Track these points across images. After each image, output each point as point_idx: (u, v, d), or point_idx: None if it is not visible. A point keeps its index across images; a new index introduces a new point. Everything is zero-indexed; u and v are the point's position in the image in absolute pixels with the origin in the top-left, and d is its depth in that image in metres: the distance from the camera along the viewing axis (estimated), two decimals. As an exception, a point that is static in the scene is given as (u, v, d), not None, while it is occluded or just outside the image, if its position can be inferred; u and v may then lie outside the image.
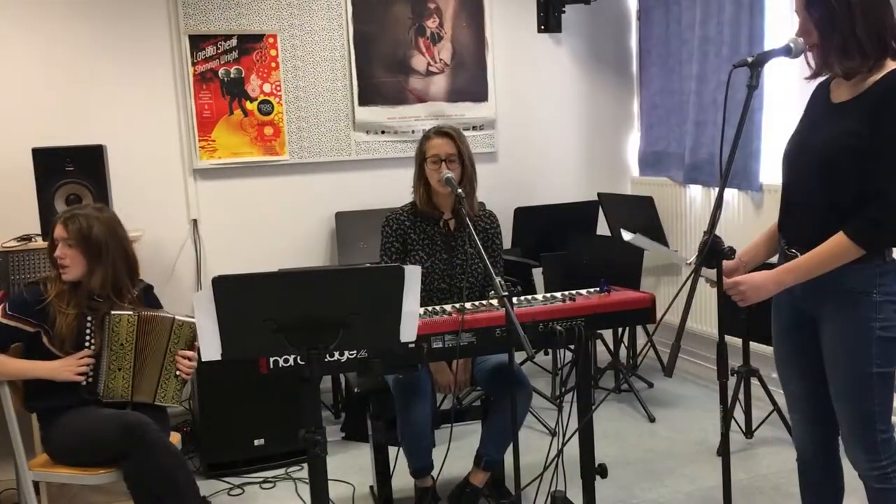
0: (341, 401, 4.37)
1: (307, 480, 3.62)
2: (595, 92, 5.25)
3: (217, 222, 4.47)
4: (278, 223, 4.57)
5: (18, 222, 3.69)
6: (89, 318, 2.79)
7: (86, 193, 3.63)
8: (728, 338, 2.34)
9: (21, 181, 3.66)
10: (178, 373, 2.84)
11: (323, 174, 4.65)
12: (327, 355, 2.37)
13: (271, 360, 2.48)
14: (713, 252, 2.15)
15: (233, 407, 3.69)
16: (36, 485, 3.05)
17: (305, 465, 3.76)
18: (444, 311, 2.76)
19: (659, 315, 2.78)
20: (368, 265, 3.51)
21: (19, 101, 4.03)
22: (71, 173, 3.60)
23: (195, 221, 4.44)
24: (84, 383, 2.75)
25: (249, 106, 4.44)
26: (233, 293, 2.07)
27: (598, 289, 2.94)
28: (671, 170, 4.94)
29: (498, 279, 2.49)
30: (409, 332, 2.24)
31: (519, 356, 2.86)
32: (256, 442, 3.77)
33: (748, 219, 4.23)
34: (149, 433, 2.63)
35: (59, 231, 2.79)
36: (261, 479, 3.69)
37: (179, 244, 4.44)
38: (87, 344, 2.76)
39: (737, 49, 4.18)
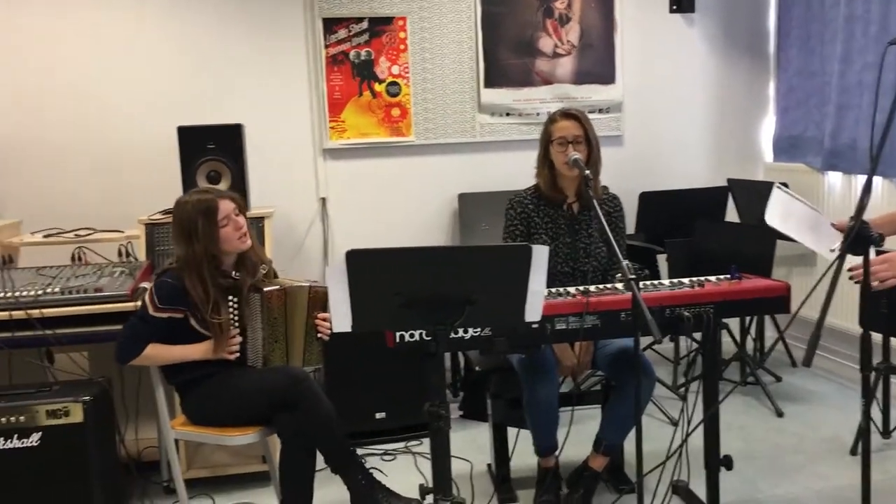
0: (460, 379, 4.43)
1: (426, 455, 3.73)
2: (728, 74, 5.06)
3: (344, 201, 4.60)
4: (403, 203, 4.66)
5: (164, 197, 3.89)
6: (232, 297, 2.92)
7: (225, 171, 3.80)
8: (869, 331, 2.23)
9: (167, 158, 3.86)
10: (318, 335, 2.96)
11: (447, 155, 4.70)
12: (452, 332, 2.41)
13: (398, 334, 2.53)
14: (860, 238, 2.05)
15: (357, 379, 3.80)
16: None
17: (424, 441, 3.88)
18: (567, 293, 2.75)
19: (794, 306, 2.68)
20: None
21: (166, 83, 4.27)
22: (212, 151, 3.78)
23: (324, 200, 4.58)
24: (234, 359, 2.89)
25: (378, 87, 4.54)
26: (365, 267, 2.13)
27: (728, 276, 2.85)
28: (808, 155, 4.72)
29: (625, 262, 2.45)
30: (534, 311, 2.25)
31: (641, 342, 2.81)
32: (378, 415, 3.87)
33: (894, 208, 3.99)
34: (312, 385, 2.78)
35: (227, 205, 2.88)
36: (381, 452, 3.79)
37: (308, 222, 4.59)
38: (233, 322, 2.90)
39: (886, 28, 3.93)
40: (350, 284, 2.15)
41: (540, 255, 2.17)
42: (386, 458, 3.75)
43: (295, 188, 4.52)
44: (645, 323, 2.28)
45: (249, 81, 4.39)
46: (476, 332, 2.57)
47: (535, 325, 2.52)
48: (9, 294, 3.20)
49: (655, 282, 2.88)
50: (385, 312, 2.22)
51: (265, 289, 2.92)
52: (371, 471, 2.94)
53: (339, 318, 2.21)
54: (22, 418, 2.96)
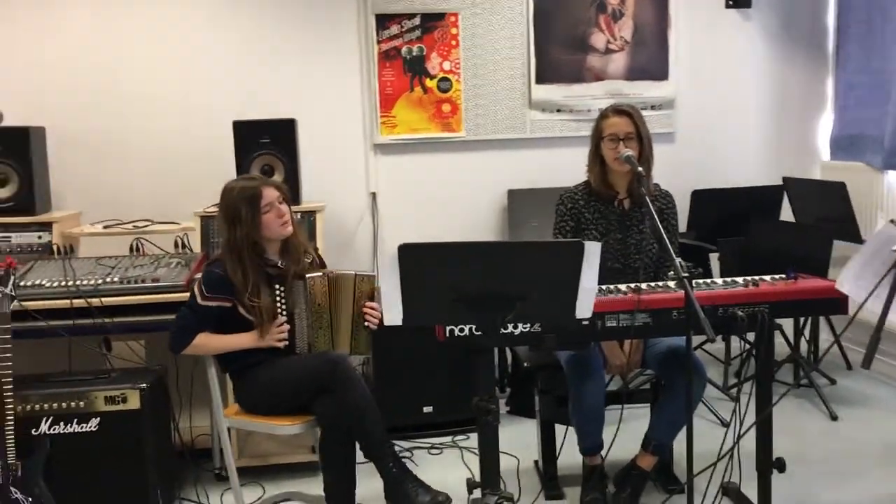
0: (507, 375, 4.43)
1: (473, 450, 3.74)
2: (785, 70, 4.97)
3: (394, 196, 4.63)
4: (452, 199, 4.67)
5: (218, 190, 3.94)
6: (278, 286, 2.97)
7: (278, 164, 3.86)
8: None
9: (222, 152, 3.93)
10: (366, 323, 2.99)
11: (497, 151, 4.70)
12: (502, 327, 2.42)
13: (448, 328, 2.54)
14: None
15: (405, 373, 3.83)
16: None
17: (471, 436, 3.89)
18: (618, 291, 2.73)
19: (852, 309, 2.62)
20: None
21: (222, 78, 4.34)
22: (266, 145, 3.84)
23: (374, 195, 4.61)
24: (283, 346, 2.94)
25: (429, 83, 4.55)
26: (417, 261, 2.15)
27: (783, 276, 2.81)
28: (867, 154, 4.60)
29: (678, 260, 2.43)
30: (585, 308, 2.25)
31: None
32: (425, 409, 3.90)
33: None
34: (348, 369, 2.81)
35: (271, 192, 2.95)
36: (428, 445, 3.81)
37: (358, 216, 4.63)
38: (279, 309, 2.95)
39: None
40: (402, 278, 2.17)
41: (592, 252, 2.17)
42: (433, 451, 3.77)
43: (346, 183, 4.57)
44: (698, 322, 2.26)
45: (303, 77, 4.45)
46: (526, 328, 2.57)
47: (585, 322, 2.51)
48: (70, 283, 3.30)
49: (708, 280, 2.84)
50: (436, 306, 2.24)
51: (308, 275, 2.96)
52: (404, 460, 2.95)
53: (391, 311, 2.23)
54: (81, 404, 3.05)
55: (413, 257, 2.14)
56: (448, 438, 3.88)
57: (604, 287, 2.74)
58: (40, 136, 3.90)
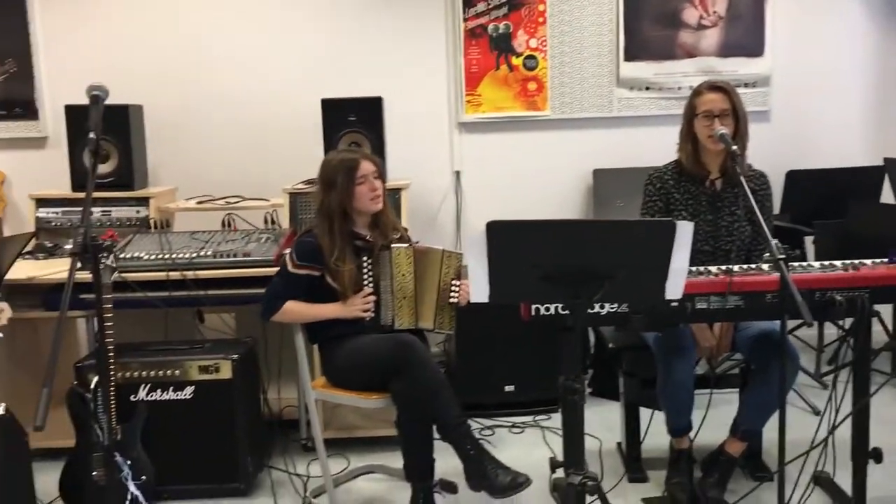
0: (590, 357, 4.38)
1: (554, 430, 3.73)
2: (889, 47, 4.73)
3: (478, 175, 4.63)
4: (536, 178, 4.63)
5: (307, 167, 4.03)
6: (365, 258, 3.01)
7: (364, 142, 3.90)
8: None
9: (310, 130, 4.01)
10: (451, 300, 3.00)
11: (583, 130, 4.63)
12: (590, 307, 2.39)
13: (534, 307, 2.53)
14: None
15: (487, 351, 3.84)
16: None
17: (553, 416, 3.88)
18: (709, 272, 2.66)
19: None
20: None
21: (312, 57, 4.41)
22: (353, 123, 3.89)
23: (458, 173, 4.62)
24: (368, 318, 2.98)
25: (515, 61, 4.52)
26: (505, 238, 2.14)
27: (885, 259, 2.69)
28: (978, 134, 4.36)
29: (773, 242, 2.35)
30: (675, 289, 2.20)
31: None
32: (507, 388, 3.90)
33: None
34: (418, 351, 2.83)
35: (368, 166, 3.00)
36: (509, 424, 3.82)
37: (442, 194, 4.65)
38: (365, 281, 2.99)
39: None
40: (489, 255, 2.16)
41: (684, 232, 2.12)
42: (514, 430, 3.77)
43: (430, 161, 4.58)
44: (794, 305, 2.19)
45: (390, 55, 4.47)
46: (613, 308, 2.53)
47: (674, 304, 2.46)
48: (166, 256, 3.42)
49: (804, 263, 2.74)
50: (523, 284, 2.22)
51: (393, 246, 3.00)
52: (484, 439, 2.94)
53: (477, 288, 2.23)
54: (177, 372, 3.17)
55: (501, 234, 2.13)
56: (529, 418, 3.88)
57: (693, 269, 2.68)
58: (138, 113, 4.05)
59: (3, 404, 2.46)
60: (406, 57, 4.50)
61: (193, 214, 4.08)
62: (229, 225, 3.89)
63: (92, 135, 2.06)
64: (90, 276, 2.25)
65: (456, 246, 4.48)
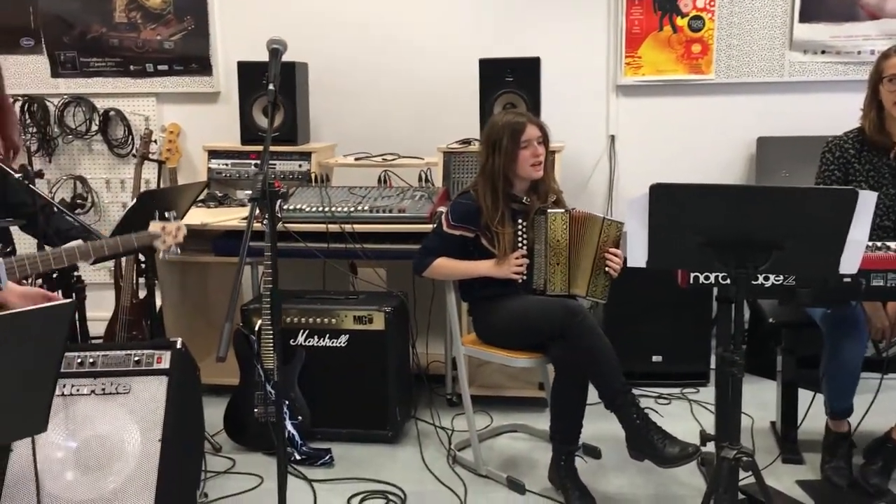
0: (746, 331, 4.22)
1: (703, 403, 3.64)
2: None
3: (634, 139, 4.50)
4: (695, 144, 4.45)
5: (462, 127, 4.07)
6: (520, 221, 3.01)
7: (520, 103, 3.87)
8: None
9: (467, 89, 4.02)
10: (607, 269, 2.96)
11: (748, 95, 4.40)
12: (754, 278, 2.29)
13: (692, 275, 2.46)
14: None
15: (636, 319, 3.76)
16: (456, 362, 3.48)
17: (701, 389, 3.78)
18: (888, 248, 2.49)
19: None
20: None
21: (470, 16, 4.39)
22: (510, 84, 3.87)
23: (612, 137, 4.51)
24: (520, 280, 2.99)
25: (680, 22, 4.34)
26: (669, 202, 2.08)
27: None
28: None
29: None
30: (850, 263, 2.08)
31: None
32: (654, 358, 3.83)
33: None
34: (587, 318, 2.80)
35: (534, 131, 2.99)
36: (656, 395, 3.75)
37: (595, 159, 4.56)
38: (519, 244, 3.00)
39: None
40: (651, 219, 2.12)
41: (866, 202, 1.99)
42: (660, 401, 3.70)
43: (585, 124, 4.49)
44: None
45: (549, 15, 4.38)
46: (778, 281, 2.43)
47: (847, 279, 2.33)
48: (326, 209, 3.55)
49: None
50: (684, 251, 2.16)
51: (550, 210, 2.98)
52: (647, 411, 2.90)
53: (635, 252, 2.20)
54: (333, 321, 3.31)
55: (665, 197, 2.08)
56: (676, 390, 3.80)
57: (870, 244, 2.51)
58: (304, 71, 4.20)
59: (180, 339, 2.64)
60: (565, 17, 4.40)
61: (351, 170, 4.20)
62: (385, 181, 3.99)
63: (271, 86, 2.15)
64: (257, 225, 2.36)
65: (607, 212, 4.39)
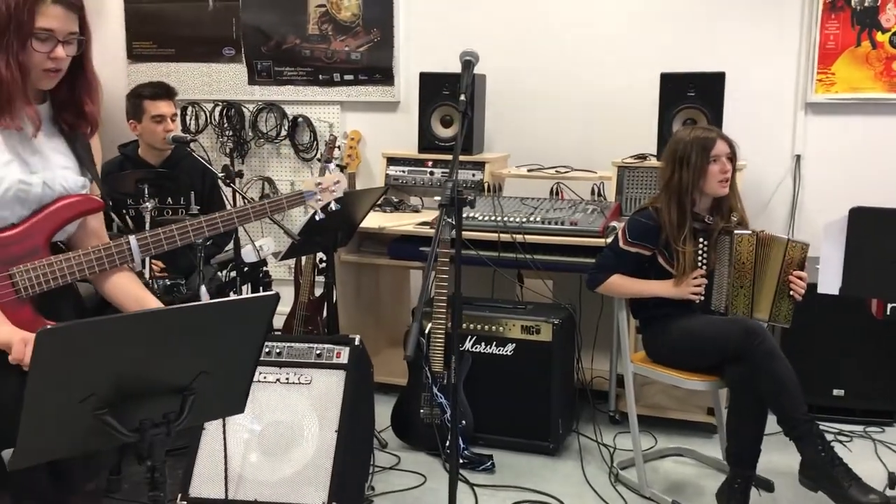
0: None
1: (889, 445, 3.38)
2: None
3: (822, 160, 4.26)
4: (891, 169, 4.16)
5: (638, 141, 4.01)
6: (702, 240, 2.93)
7: (701, 119, 3.77)
8: None
9: (645, 103, 3.96)
10: (791, 293, 2.84)
11: (954, 117, 4.07)
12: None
13: (890, 306, 2.31)
14: None
15: (817, 349, 3.55)
16: (619, 379, 3.42)
17: (888, 429, 3.52)
18: None
19: None
20: None
21: (652, 29, 4.32)
22: (691, 98, 3.78)
23: (798, 157, 4.30)
24: (698, 301, 2.92)
25: (880, 38, 4.08)
26: (871, 227, 1.98)
27: None
28: None
29: None
30: None
31: None
32: (835, 391, 3.60)
33: None
34: (768, 340, 2.70)
35: (724, 147, 2.93)
36: (836, 431, 3.53)
37: (778, 179, 4.36)
38: (699, 264, 2.92)
39: None
40: (848, 243, 2.02)
41: None
42: (840, 438, 3.48)
43: (768, 142, 4.30)
44: None
45: (735, 27, 4.25)
46: None
47: None
48: (498, 218, 3.60)
49: None
50: (883, 279, 2.05)
51: (736, 231, 2.88)
52: (834, 446, 2.73)
53: (828, 277, 2.11)
54: (500, 329, 3.35)
55: (866, 222, 1.97)
56: (859, 427, 3.56)
57: None
58: (482, 82, 4.28)
59: (358, 336, 2.77)
60: (754, 30, 4.24)
61: (523, 181, 4.23)
62: (557, 194, 4.00)
63: (462, 97, 2.22)
64: (431, 230, 2.43)
65: (789, 234, 4.18)
